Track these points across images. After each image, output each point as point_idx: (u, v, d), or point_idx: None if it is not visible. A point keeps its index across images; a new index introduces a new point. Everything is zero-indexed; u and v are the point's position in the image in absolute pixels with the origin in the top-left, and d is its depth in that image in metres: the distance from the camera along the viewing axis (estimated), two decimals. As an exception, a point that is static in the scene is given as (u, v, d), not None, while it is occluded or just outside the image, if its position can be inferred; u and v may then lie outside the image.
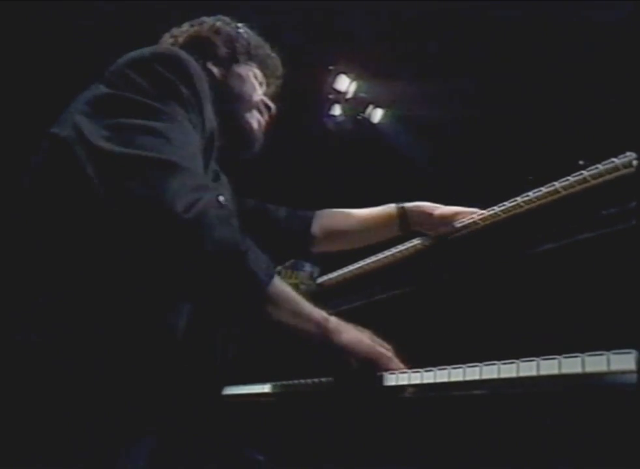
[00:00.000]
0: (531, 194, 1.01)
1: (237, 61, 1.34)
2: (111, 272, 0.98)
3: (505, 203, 1.06)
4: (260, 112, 1.36)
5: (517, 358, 0.74)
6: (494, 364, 0.77)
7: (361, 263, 1.44)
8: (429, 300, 1.19)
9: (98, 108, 1.01)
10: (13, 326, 0.95)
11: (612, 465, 0.64)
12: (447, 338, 1.09)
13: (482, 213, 1.13)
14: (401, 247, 1.32)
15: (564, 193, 0.95)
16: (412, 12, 3.46)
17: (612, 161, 0.87)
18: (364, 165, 4.45)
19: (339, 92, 4.42)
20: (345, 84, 4.39)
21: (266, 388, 1.37)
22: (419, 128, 4.51)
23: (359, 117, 4.61)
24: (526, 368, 0.72)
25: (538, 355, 0.71)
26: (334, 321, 1.00)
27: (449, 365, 0.84)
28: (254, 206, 1.48)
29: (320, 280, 1.65)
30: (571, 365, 0.67)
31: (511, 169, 3.24)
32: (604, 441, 0.65)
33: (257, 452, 1.38)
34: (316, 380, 1.16)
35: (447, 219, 1.25)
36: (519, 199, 1.03)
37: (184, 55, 1.09)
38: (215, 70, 1.30)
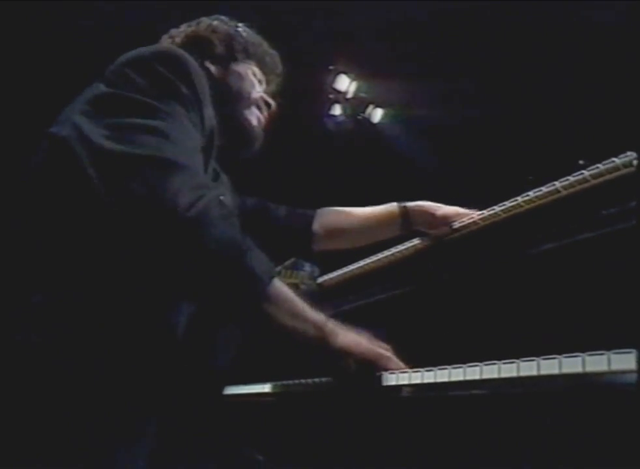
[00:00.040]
0: (531, 194, 1.01)
1: (235, 59, 1.35)
2: (112, 272, 0.98)
3: (505, 203, 1.06)
4: (259, 109, 1.36)
5: (517, 358, 0.74)
6: (494, 364, 0.76)
7: (361, 263, 1.44)
8: (429, 300, 1.19)
9: (97, 107, 1.01)
10: (13, 325, 0.95)
11: (612, 465, 0.64)
12: (447, 338, 1.09)
13: (482, 213, 1.13)
14: (401, 247, 1.32)
15: (564, 192, 0.95)
16: (412, 12, 3.46)
17: (613, 161, 0.87)
18: (364, 165, 4.46)
19: (339, 92, 4.43)
20: (345, 84, 4.39)
21: (266, 388, 1.37)
22: (419, 128, 4.51)
23: (359, 117, 4.61)
24: (527, 368, 0.72)
25: (538, 355, 0.71)
26: (332, 324, 1.00)
27: (449, 364, 0.84)
28: (254, 204, 1.48)
29: (320, 280, 1.65)
30: (571, 364, 0.67)
31: (512, 168, 3.23)
32: (604, 441, 0.65)
33: (257, 452, 1.38)
34: (316, 380, 1.16)
35: (449, 220, 1.25)
36: (519, 199, 1.03)
37: (183, 54, 1.09)
38: (213, 68, 1.30)
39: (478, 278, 1.09)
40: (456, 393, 0.82)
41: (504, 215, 1.07)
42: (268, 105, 1.39)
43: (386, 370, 0.97)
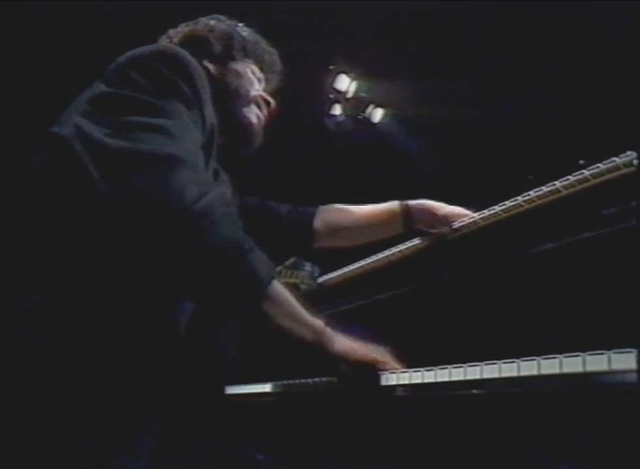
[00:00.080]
0: (532, 193, 1.01)
1: (233, 58, 1.35)
2: (112, 271, 0.98)
3: (506, 202, 1.06)
4: (259, 107, 1.36)
5: (518, 357, 0.74)
6: (495, 363, 0.77)
7: (361, 263, 1.44)
8: (429, 300, 1.19)
9: (98, 107, 1.01)
10: (13, 325, 0.95)
11: (612, 464, 0.64)
12: (448, 337, 1.09)
13: (483, 213, 1.13)
14: (401, 247, 1.32)
15: (564, 192, 0.95)
16: (412, 12, 3.46)
17: (613, 161, 0.87)
18: (364, 165, 4.45)
19: (339, 92, 4.42)
20: (345, 83, 4.39)
21: (266, 388, 1.37)
22: (419, 128, 4.50)
23: (359, 117, 4.61)
24: (527, 367, 0.72)
25: (538, 355, 0.71)
26: (329, 330, 1.00)
27: (450, 364, 0.84)
28: (255, 202, 1.48)
29: (320, 280, 1.65)
30: (572, 364, 0.67)
31: (512, 168, 3.23)
32: (605, 440, 0.65)
33: (257, 451, 1.38)
34: (317, 379, 1.16)
35: (450, 219, 1.25)
36: (519, 199, 1.03)
37: (183, 53, 1.10)
38: (212, 67, 1.31)
39: (478, 278, 1.09)
40: (457, 392, 0.82)
41: (505, 215, 1.07)
42: (267, 103, 1.39)
43: None
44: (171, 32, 1.37)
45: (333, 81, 4.36)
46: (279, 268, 1.76)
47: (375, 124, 4.63)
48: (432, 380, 0.86)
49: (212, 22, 1.37)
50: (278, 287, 0.97)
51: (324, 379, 1.13)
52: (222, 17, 1.40)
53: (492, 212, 1.10)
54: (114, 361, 0.97)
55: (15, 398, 0.92)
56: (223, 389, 1.49)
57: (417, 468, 0.94)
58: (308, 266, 1.86)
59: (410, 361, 0.98)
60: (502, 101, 3.79)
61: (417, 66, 3.89)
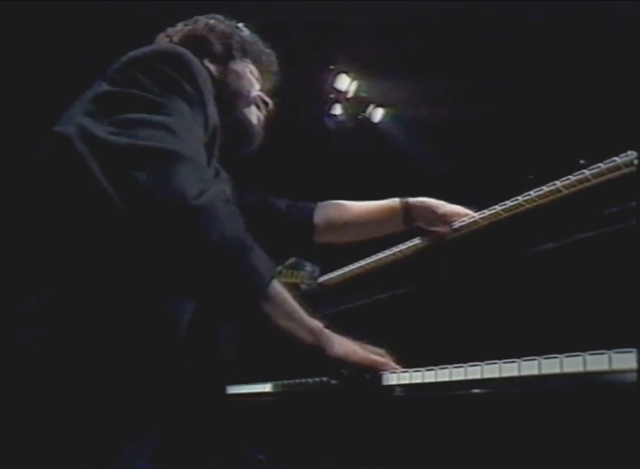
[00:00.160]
0: (532, 193, 1.01)
1: (233, 58, 1.35)
2: (114, 270, 0.98)
3: (506, 202, 1.06)
4: (258, 107, 1.37)
5: (518, 357, 0.74)
6: (495, 363, 0.77)
7: (362, 262, 1.44)
8: (430, 299, 1.19)
9: (101, 106, 1.01)
10: (13, 324, 0.94)
11: (613, 464, 0.64)
12: (448, 337, 1.09)
13: (483, 212, 1.13)
14: (401, 247, 1.32)
15: (565, 192, 0.95)
16: (412, 11, 3.46)
17: (614, 160, 0.87)
18: (365, 165, 4.45)
19: (339, 92, 4.42)
20: (345, 83, 4.39)
21: (267, 388, 1.37)
22: (420, 128, 4.50)
23: (360, 117, 4.61)
24: (528, 367, 0.72)
25: (539, 354, 0.71)
26: (328, 332, 1.00)
27: (450, 364, 0.84)
28: (255, 198, 1.48)
29: (320, 279, 1.65)
30: (572, 364, 0.67)
31: (513, 167, 3.23)
32: (605, 440, 0.65)
33: (258, 451, 1.38)
34: (317, 379, 1.16)
35: (450, 218, 1.25)
36: (520, 198, 1.03)
37: (187, 53, 1.10)
38: (212, 67, 1.31)
39: (479, 277, 1.09)
40: (457, 392, 0.82)
41: (505, 215, 1.07)
42: (266, 103, 1.39)
43: None
44: (170, 31, 1.36)
45: (333, 81, 4.36)
46: (279, 267, 1.76)
47: (376, 123, 4.63)
48: (432, 379, 0.86)
49: (211, 22, 1.37)
50: (278, 287, 0.97)
51: (324, 379, 1.13)
52: (220, 16, 1.40)
53: (492, 211, 1.10)
54: (115, 361, 0.97)
55: (16, 398, 0.92)
56: (223, 389, 1.49)
57: (417, 468, 0.94)
58: (308, 266, 1.86)
59: (411, 361, 0.98)
60: (503, 101, 3.79)
61: (417, 66, 3.88)
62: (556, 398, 0.70)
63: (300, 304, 1.00)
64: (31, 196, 1.05)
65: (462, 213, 1.25)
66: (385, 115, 4.64)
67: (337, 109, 4.52)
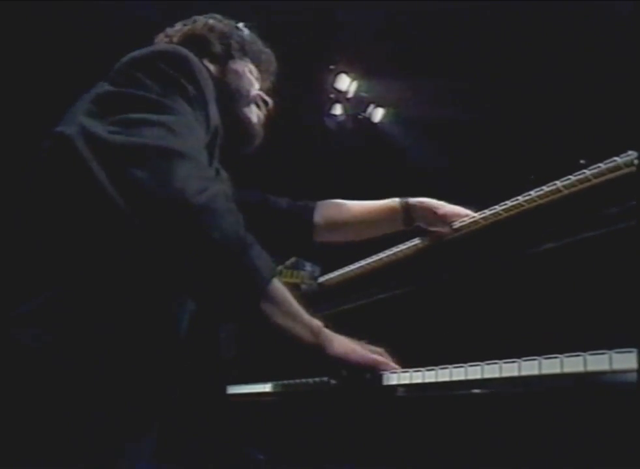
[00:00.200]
0: (533, 193, 1.01)
1: (232, 57, 1.35)
2: (114, 270, 0.98)
3: (507, 202, 1.06)
4: (258, 107, 1.37)
5: (519, 357, 0.74)
6: (496, 363, 0.77)
7: (362, 263, 1.44)
8: (430, 299, 1.19)
9: (102, 106, 1.01)
10: (13, 325, 0.94)
11: (613, 464, 0.64)
12: (449, 337, 1.09)
13: (483, 212, 1.13)
14: (401, 247, 1.32)
15: (565, 192, 0.95)
16: (413, 11, 3.46)
17: (614, 160, 0.87)
18: (365, 165, 4.46)
19: (339, 92, 4.43)
20: (345, 83, 4.39)
21: (267, 387, 1.37)
22: (420, 127, 4.51)
23: (360, 117, 4.61)
24: (528, 367, 0.72)
25: (540, 354, 0.71)
26: (328, 331, 1.00)
27: (451, 364, 0.84)
28: (254, 196, 1.48)
29: (321, 279, 1.65)
30: (573, 364, 0.67)
31: (513, 167, 3.23)
32: (605, 440, 0.65)
33: (258, 451, 1.38)
34: (317, 379, 1.16)
35: (450, 218, 1.25)
36: (520, 198, 1.03)
37: (188, 53, 1.10)
38: (212, 67, 1.31)
39: (479, 277, 1.09)
40: (458, 392, 0.82)
41: (505, 215, 1.07)
42: (265, 102, 1.39)
43: None
44: (169, 31, 1.37)
45: (333, 81, 4.36)
46: (279, 267, 1.76)
47: (376, 123, 4.64)
48: (433, 379, 0.86)
49: (210, 21, 1.38)
50: (278, 285, 0.96)
51: (324, 379, 1.13)
52: (218, 16, 1.41)
53: (493, 211, 1.10)
54: (115, 361, 0.97)
55: (17, 399, 0.92)
56: (223, 389, 1.49)
57: (418, 468, 0.94)
58: (308, 266, 1.86)
59: (411, 361, 0.98)
60: (504, 101, 3.79)
61: (417, 66, 3.89)
62: (556, 398, 0.70)
63: (300, 304, 1.00)
64: (32, 196, 1.05)
65: (462, 214, 1.25)
66: (385, 115, 4.64)
67: (337, 109, 4.53)
